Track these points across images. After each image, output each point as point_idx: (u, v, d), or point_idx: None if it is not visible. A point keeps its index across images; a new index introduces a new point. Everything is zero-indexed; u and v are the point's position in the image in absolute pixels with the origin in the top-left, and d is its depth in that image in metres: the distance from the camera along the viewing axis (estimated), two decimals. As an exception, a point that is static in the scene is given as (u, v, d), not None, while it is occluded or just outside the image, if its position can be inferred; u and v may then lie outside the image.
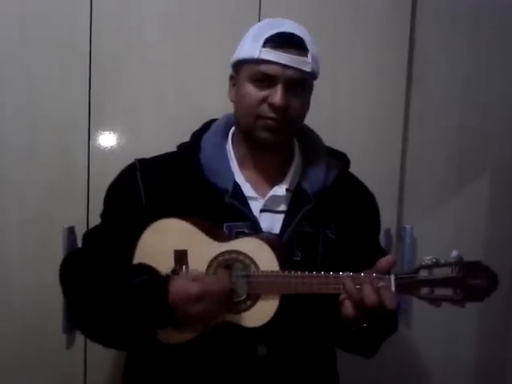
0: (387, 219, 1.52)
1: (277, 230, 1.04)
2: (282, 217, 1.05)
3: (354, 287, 0.91)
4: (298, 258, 1.03)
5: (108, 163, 1.42)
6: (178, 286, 0.92)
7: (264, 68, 0.99)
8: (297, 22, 1.05)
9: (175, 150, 1.13)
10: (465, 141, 1.63)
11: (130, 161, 1.13)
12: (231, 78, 1.09)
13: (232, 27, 1.43)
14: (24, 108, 1.41)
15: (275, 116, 1.00)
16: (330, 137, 1.20)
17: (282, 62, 0.98)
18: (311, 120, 1.16)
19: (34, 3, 1.39)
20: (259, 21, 1.44)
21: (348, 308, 0.92)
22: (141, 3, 1.44)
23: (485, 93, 1.63)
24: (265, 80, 0.99)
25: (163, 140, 1.37)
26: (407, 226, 1.57)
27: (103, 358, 1.47)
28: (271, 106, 0.99)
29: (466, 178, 1.65)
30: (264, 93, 1.00)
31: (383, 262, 0.93)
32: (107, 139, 1.45)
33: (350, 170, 1.18)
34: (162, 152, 1.14)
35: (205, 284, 0.92)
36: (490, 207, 1.66)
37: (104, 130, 1.45)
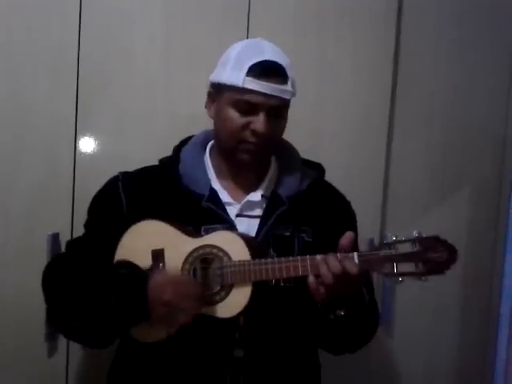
0: (371, 229, 1.55)
1: (253, 233, 1.08)
2: (257, 221, 1.09)
3: (320, 261, 0.95)
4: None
5: (94, 170, 1.42)
6: (156, 277, 0.98)
7: (247, 97, 1.03)
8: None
9: (159, 160, 1.18)
10: (447, 155, 1.66)
11: (115, 168, 1.17)
12: (209, 94, 1.12)
13: (220, 36, 1.44)
14: (10, 114, 1.40)
15: (257, 141, 1.04)
16: (315, 149, 1.24)
17: (265, 91, 1.02)
18: (296, 133, 1.19)
19: (22, 9, 1.39)
20: (247, 31, 1.48)
21: (316, 286, 0.95)
22: (129, 11, 1.45)
23: (467, 110, 1.67)
24: (247, 107, 1.03)
25: (149, 147, 1.40)
26: (390, 234, 1.59)
27: (85, 367, 1.46)
28: (254, 132, 1.04)
29: (448, 191, 1.68)
30: (246, 119, 1.04)
31: (343, 239, 0.97)
32: (93, 146, 1.45)
33: (335, 180, 1.22)
34: (148, 159, 1.18)
35: (181, 276, 1.00)
36: (470, 219, 1.69)
37: (90, 137, 1.45)
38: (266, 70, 1.02)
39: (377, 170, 1.60)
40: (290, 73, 1.05)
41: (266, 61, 1.03)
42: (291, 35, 1.51)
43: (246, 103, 1.03)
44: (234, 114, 1.05)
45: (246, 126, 1.04)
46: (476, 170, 1.69)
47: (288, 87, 1.04)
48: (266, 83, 1.02)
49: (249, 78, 1.02)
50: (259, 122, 1.03)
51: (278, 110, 1.05)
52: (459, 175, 1.68)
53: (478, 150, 1.69)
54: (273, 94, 1.02)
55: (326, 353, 1.16)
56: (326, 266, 0.94)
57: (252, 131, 1.04)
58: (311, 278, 0.96)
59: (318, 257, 0.96)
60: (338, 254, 0.95)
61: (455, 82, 1.65)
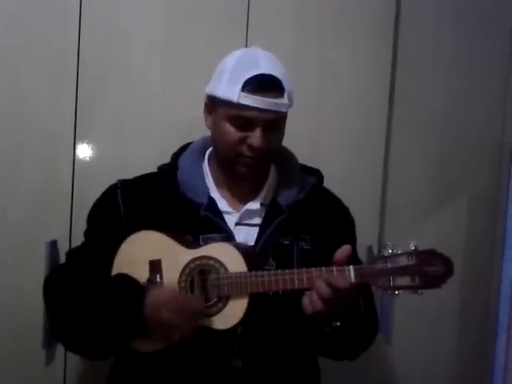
0: (369, 236, 1.55)
1: (252, 242, 1.08)
2: (257, 230, 1.09)
3: (316, 277, 0.96)
4: (273, 268, 1.05)
5: (92, 177, 1.41)
6: (154, 294, 0.97)
7: (243, 113, 1.02)
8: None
9: (157, 167, 1.17)
10: (444, 163, 1.67)
11: (114, 174, 1.17)
12: (206, 105, 1.12)
13: (219, 41, 1.44)
14: (9, 120, 1.40)
15: (255, 155, 1.04)
16: (314, 157, 1.23)
17: (261, 106, 1.01)
18: (296, 139, 1.19)
19: (22, 14, 1.39)
20: (247, 37, 1.47)
21: (306, 304, 0.96)
22: (128, 17, 1.45)
23: (465, 118, 1.67)
24: (243, 122, 1.03)
25: (148, 154, 1.40)
26: (389, 243, 1.60)
27: (83, 375, 1.45)
28: (250, 147, 1.03)
29: (446, 198, 1.68)
30: (243, 134, 1.04)
31: (339, 253, 0.97)
32: (92, 152, 1.45)
33: (333, 187, 1.22)
34: (147, 165, 1.18)
35: (179, 295, 0.99)
36: (468, 226, 1.70)
37: (89, 144, 1.44)
38: (262, 84, 1.01)
39: (375, 177, 1.60)
40: (286, 84, 1.04)
41: (261, 74, 1.02)
42: (290, 39, 1.51)
43: (242, 118, 1.02)
44: (230, 129, 1.04)
45: (243, 140, 1.04)
46: (473, 178, 1.70)
47: (284, 100, 1.03)
48: (261, 98, 1.01)
49: (244, 94, 1.01)
50: (256, 137, 1.02)
51: (274, 124, 1.05)
52: (457, 183, 1.69)
53: (475, 157, 1.69)
54: (269, 108, 1.01)
55: (324, 359, 1.16)
56: (323, 283, 0.94)
57: (249, 146, 1.03)
58: (306, 299, 0.96)
59: (314, 270, 0.97)
60: (334, 268, 0.96)
61: (453, 89, 1.66)
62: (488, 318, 1.72)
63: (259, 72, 1.02)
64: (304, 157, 1.21)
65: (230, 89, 1.02)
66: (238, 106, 1.01)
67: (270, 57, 1.07)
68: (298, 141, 1.22)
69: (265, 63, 1.04)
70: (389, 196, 1.63)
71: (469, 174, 1.69)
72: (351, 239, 1.18)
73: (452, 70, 1.66)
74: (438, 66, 1.65)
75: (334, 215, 1.17)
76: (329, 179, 1.21)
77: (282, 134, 1.10)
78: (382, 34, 1.58)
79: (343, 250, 0.97)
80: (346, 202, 1.23)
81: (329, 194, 1.21)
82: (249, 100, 1.01)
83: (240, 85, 1.01)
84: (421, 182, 1.66)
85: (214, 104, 1.08)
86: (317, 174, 1.19)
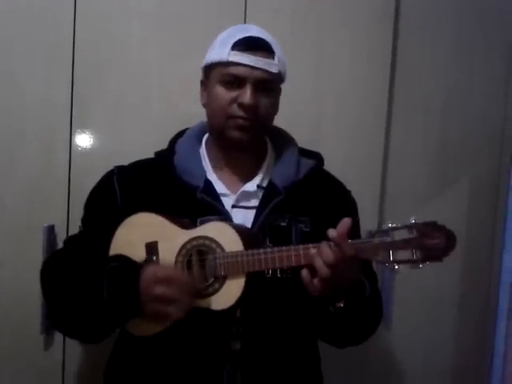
0: (369, 222, 1.53)
1: (249, 224, 1.07)
2: (254, 212, 1.08)
3: (313, 251, 0.93)
4: None
5: (89, 163, 1.41)
6: (148, 270, 0.96)
7: (233, 70, 1.03)
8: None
9: (154, 152, 1.17)
10: (445, 149, 1.66)
11: (110, 159, 1.17)
12: (202, 82, 1.13)
13: (217, 31, 1.40)
14: (6, 106, 1.39)
15: (245, 115, 1.04)
16: (314, 143, 1.22)
17: (250, 63, 1.03)
18: (295, 127, 1.18)
19: (18, 2, 1.38)
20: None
21: (310, 279, 0.93)
22: (125, 5, 1.44)
23: (465, 104, 1.66)
24: (234, 81, 1.04)
25: (145, 141, 1.39)
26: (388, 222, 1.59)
27: (82, 360, 1.46)
28: (241, 105, 1.03)
29: (446, 184, 1.67)
30: (233, 93, 1.04)
31: (339, 227, 0.92)
32: (89, 139, 1.45)
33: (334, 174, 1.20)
34: (144, 152, 1.17)
35: (172, 270, 0.98)
36: (468, 213, 1.68)
37: (86, 130, 1.44)
38: (251, 44, 1.04)
39: (375, 163, 1.59)
40: (277, 50, 1.06)
41: (251, 36, 1.05)
42: (289, 32, 1.50)
43: (232, 76, 1.03)
44: (221, 91, 1.05)
45: (234, 100, 1.04)
46: (474, 164, 1.68)
47: (274, 61, 1.04)
48: (250, 55, 1.02)
49: (234, 52, 1.03)
50: (245, 94, 1.02)
51: (265, 85, 1.05)
52: (457, 169, 1.67)
53: (475, 143, 1.68)
54: (257, 66, 1.03)
55: (325, 345, 1.15)
56: (320, 256, 0.92)
57: (239, 104, 1.03)
58: (304, 272, 0.94)
59: (311, 246, 0.94)
60: (331, 243, 0.92)
61: (453, 75, 1.64)
62: (488, 306, 1.72)
63: (249, 34, 1.05)
64: (303, 145, 1.20)
65: (220, 51, 1.05)
66: (228, 63, 1.03)
67: (261, 28, 1.09)
68: (296, 127, 1.22)
69: (255, 29, 1.08)
70: (388, 185, 1.62)
71: (469, 163, 1.68)
72: (354, 221, 1.17)
73: (452, 58, 1.64)
74: (438, 54, 1.63)
75: (334, 197, 1.16)
76: (328, 165, 1.20)
77: (275, 101, 1.10)
78: (382, 21, 1.56)
79: (343, 223, 0.92)
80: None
81: (329, 177, 1.20)
82: (238, 57, 1.03)
83: (230, 44, 1.03)
84: (421, 172, 1.65)
85: (207, 74, 1.09)
86: (316, 157, 1.18)
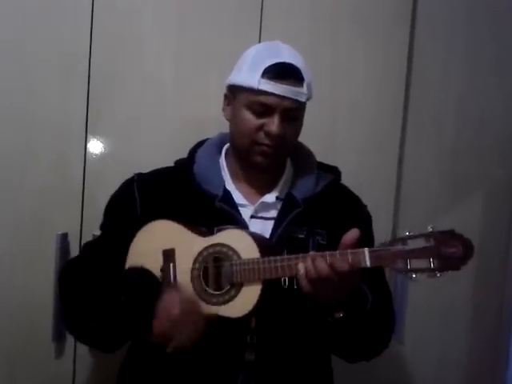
0: (383, 232, 1.52)
1: (267, 235, 1.07)
2: (272, 223, 1.08)
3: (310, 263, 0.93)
4: None
5: (103, 171, 1.42)
6: (168, 298, 0.97)
7: (262, 99, 1.02)
8: (297, 41, 1.08)
9: (172, 161, 1.18)
10: (459, 156, 1.65)
11: (125, 170, 1.17)
12: (226, 96, 1.12)
13: (232, 39, 1.44)
14: (21, 114, 1.39)
15: (271, 143, 1.04)
16: (329, 152, 1.23)
17: (280, 93, 1.02)
18: (310, 136, 1.18)
19: (35, 9, 1.38)
20: (260, 34, 1.46)
21: (306, 284, 0.93)
22: (141, 13, 1.44)
23: (480, 110, 1.65)
24: (262, 109, 1.03)
25: (159, 151, 1.40)
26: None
27: (92, 369, 1.45)
28: (268, 134, 1.03)
29: (460, 193, 1.66)
30: (261, 121, 1.04)
31: (348, 236, 0.93)
32: (103, 147, 1.44)
33: (348, 183, 1.20)
34: (158, 161, 1.18)
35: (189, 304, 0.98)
36: (482, 221, 1.67)
37: (100, 138, 1.44)
38: (282, 71, 1.02)
39: (389, 172, 1.59)
40: (306, 76, 1.05)
41: (281, 63, 1.03)
42: (305, 38, 1.49)
43: (261, 105, 1.03)
44: (249, 116, 1.05)
45: (261, 127, 1.04)
46: (488, 173, 1.68)
47: (303, 90, 1.04)
48: (281, 85, 1.01)
49: (264, 80, 1.01)
50: (273, 123, 1.03)
51: (293, 113, 1.05)
52: (471, 178, 1.67)
53: (489, 152, 1.67)
54: (287, 95, 1.02)
55: (337, 358, 1.14)
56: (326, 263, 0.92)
57: (266, 133, 1.04)
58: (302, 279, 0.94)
59: (328, 254, 0.93)
60: (349, 251, 0.92)
61: (467, 84, 1.64)
62: (501, 317, 1.70)
63: (280, 60, 1.03)
64: (318, 152, 1.20)
65: (250, 75, 1.03)
66: (258, 92, 1.02)
67: (291, 48, 1.08)
68: (312, 136, 1.21)
69: (286, 52, 1.06)
70: (403, 191, 1.61)
71: (484, 167, 1.67)
72: (368, 236, 1.16)
73: (467, 62, 1.64)
74: (452, 58, 1.63)
75: (350, 212, 1.16)
76: (343, 174, 1.21)
77: (300, 126, 1.10)
78: (398, 27, 1.56)
79: (351, 233, 0.93)
80: (360, 197, 1.21)
81: (346, 191, 1.20)
82: (268, 86, 1.01)
83: (260, 71, 1.02)
84: (435, 178, 1.64)
85: (234, 93, 1.08)
86: (334, 171, 1.19)
